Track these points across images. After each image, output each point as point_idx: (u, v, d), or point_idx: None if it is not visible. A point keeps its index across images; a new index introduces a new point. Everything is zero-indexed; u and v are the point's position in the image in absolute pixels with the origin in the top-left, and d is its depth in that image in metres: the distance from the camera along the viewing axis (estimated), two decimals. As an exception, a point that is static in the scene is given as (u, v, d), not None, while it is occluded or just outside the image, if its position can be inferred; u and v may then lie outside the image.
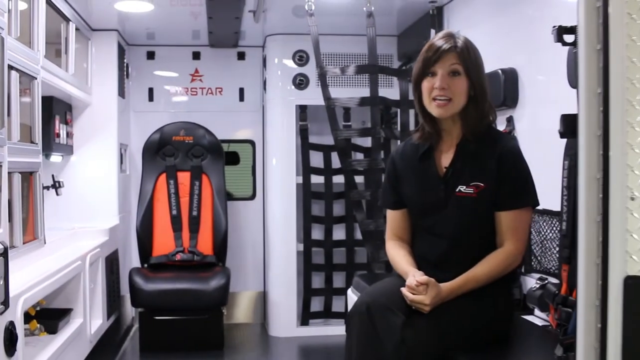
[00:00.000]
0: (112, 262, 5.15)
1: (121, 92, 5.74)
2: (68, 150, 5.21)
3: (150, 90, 6.24)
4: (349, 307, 3.09)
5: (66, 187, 4.98)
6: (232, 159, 6.38)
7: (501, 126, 3.80)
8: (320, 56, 4.51)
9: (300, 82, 5.81)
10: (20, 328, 2.84)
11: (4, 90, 2.74)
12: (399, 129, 4.86)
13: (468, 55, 2.75)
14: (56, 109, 4.78)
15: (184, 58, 6.24)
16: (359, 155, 5.80)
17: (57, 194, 4.80)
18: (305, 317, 5.88)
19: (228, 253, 5.77)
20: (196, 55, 6.25)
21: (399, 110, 4.87)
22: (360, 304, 2.58)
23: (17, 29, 3.38)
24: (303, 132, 5.87)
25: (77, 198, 5.25)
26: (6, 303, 2.59)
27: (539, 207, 3.05)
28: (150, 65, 6.23)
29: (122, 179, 5.76)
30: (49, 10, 4.20)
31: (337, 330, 5.18)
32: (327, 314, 5.93)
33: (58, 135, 4.83)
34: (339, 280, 5.92)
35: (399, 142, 4.65)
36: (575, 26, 1.99)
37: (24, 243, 3.43)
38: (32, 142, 3.82)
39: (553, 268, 3.23)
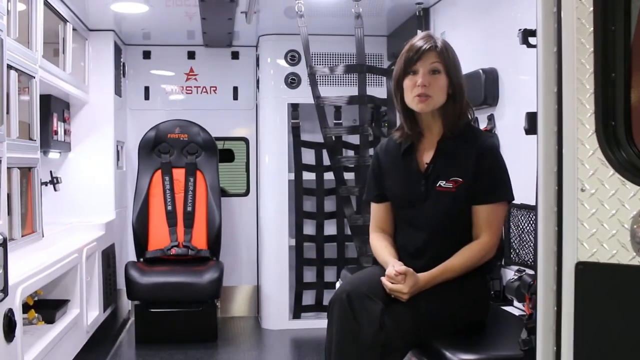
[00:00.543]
0: (108, 256, 5.28)
1: (118, 91, 5.86)
2: (66, 147, 5.33)
3: (146, 89, 6.37)
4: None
5: (64, 183, 5.11)
6: (227, 156, 6.51)
7: (482, 124, 3.93)
8: (310, 56, 4.64)
9: (292, 81, 5.94)
10: (19, 316, 2.96)
11: (3, 89, 2.86)
12: (387, 126, 4.97)
13: (447, 55, 2.88)
14: (54, 107, 4.89)
15: (179, 57, 6.37)
16: (350, 153, 5.93)
17: (55, 190, 4.93)
18: (298, 310, 6.01)
19: (222, 248, 5.90)
20: (191, 55, 6.38)
21: (387, 109, 4.98)
22: (341, 291, 2.72)
23: (15, 30, 3.49)
24: (295, 130, 6.00)
25: (75, 194, 5.38)
26: (5, 291, 2.72)
27: (517, 202, 3.20)
28: (146, 65, 6.36)
29: (119, 175, 5.88)
30: (47, 11, 4.31)
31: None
32: (318, 307, 6.05)
33: (56, 132, 4.94)
34: (330, 274, 6.05)
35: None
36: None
37: (22, 236, 3.55)
38: (30, 139, 3.94)
39: (530, 260, 3.37)
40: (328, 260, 6.08)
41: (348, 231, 5.92)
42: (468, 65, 3.46)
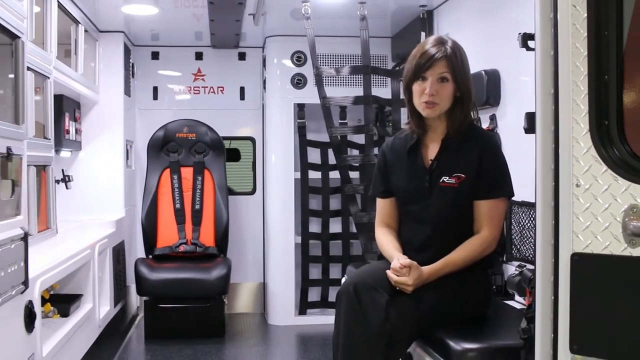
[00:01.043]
0: (118, 253, 5.40)
1: (127, 91, 5.97)
2: (77, 146, 5.45)
3: (155, 89, 6.48)
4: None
5: (75, 181, 5.22)
6: (234, 155, 6.62)
7: (485, 123, 4.03)
8: (317, 57, 4.75)
9: (298, 82, 6.04)
10: (38, 308, 3.07)
11: (24, 89, 2.97)
12: (391, 126, 5.06)
13: (456, 61, 2.97)
14: (66, 107, 5.01)
15: (187, 58, 6.48)
16: (355, 152, 6.02)
17: (67, 188, 5.04)
18: (303, 306, 6.12)
19: (229, 246, 6.01)
20: (199, 56, 6.49)
21: (391, 109, 5.07)
22: (348, 284, 2.83)
23: (32, 32, 3.60)
24: (301, 130, 6.11)
25: (85, 192, 5.49)
26: (26, 283, 2.84)
27: (517, 199, 3.30)
28: (154, 65, 6.47)
29: (128, 173, 5.99)
30: (59, 12, 4.42)
31: (333, 319, 5.33)
32: (323, 303, 6.17)
33: (67, 131, 5.06)
34: (335, 271, 6.16)
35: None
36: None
37: (38, 232, 3.67)
38: (45, 137, 4.05)
39: (530, 256, 3.47)
40: (333, 258, 6.19)
41: (353, 229, 6.02)
42: (471, 66, 3.55)
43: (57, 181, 4.76)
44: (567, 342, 1.92)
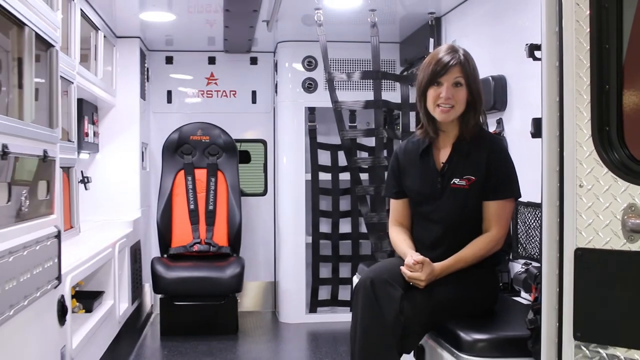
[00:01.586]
0: (135, 252, 5.56)
1: (142, 95, 6.14)
2: (95, 148, 5.61)
3: (169, 93, 6.65)
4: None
5: (93, 182, 5.37)
6: (244, 157, 6.75)
7: (492, 127, 4.18)
8: (329, 62, 4.87)
9: (309, 86, 6.19)
10: (69, 302, 3.24)
11: (58, 94, 3.14)
12: (400, 129, 5.19)
13: (468, 67, 3.14)
14: (85, 110, 5.16)
15: (200, 63, 6.64)
16: (364, 154, 6.15)
17: (86, 189, 5.17)
18: (314, 304, 6.27)
19: (241, 246, 6.15)
20: (211, 60, 6.65)
21: (400, 113, 5.21)
22: (365, 279, 2.99)
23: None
24: (312, 132, 6.26)
25: (103, 192, 5.64)
26: (59, 278, 2.99)
27: (523, 200, 3.44)
28: (168, 70, 6.64)
29: (143, 175, 6.15)
30: (81, 19, 4.58)
31: (343, 317, 5.53)
32: (334, 302, 6.32)
33: (87, 134, 5.22)
34: (345, 270, 6.31)
35: (400, 141, 4.99)
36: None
37: (64, 231, 3.82)
38: (69, 140, 4.22)
39: (536, 254, 3.61)
40: (343, 257, 6.34)
41: (362, 229, 6.18)
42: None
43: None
44: (572, 330, 2.06)
